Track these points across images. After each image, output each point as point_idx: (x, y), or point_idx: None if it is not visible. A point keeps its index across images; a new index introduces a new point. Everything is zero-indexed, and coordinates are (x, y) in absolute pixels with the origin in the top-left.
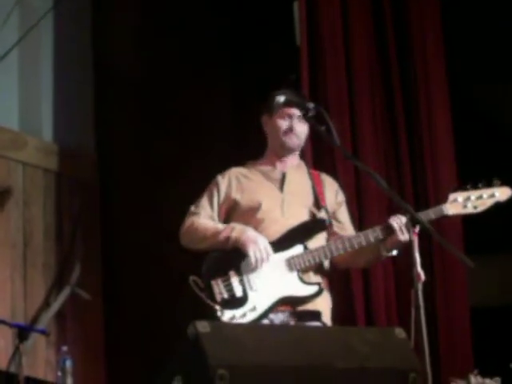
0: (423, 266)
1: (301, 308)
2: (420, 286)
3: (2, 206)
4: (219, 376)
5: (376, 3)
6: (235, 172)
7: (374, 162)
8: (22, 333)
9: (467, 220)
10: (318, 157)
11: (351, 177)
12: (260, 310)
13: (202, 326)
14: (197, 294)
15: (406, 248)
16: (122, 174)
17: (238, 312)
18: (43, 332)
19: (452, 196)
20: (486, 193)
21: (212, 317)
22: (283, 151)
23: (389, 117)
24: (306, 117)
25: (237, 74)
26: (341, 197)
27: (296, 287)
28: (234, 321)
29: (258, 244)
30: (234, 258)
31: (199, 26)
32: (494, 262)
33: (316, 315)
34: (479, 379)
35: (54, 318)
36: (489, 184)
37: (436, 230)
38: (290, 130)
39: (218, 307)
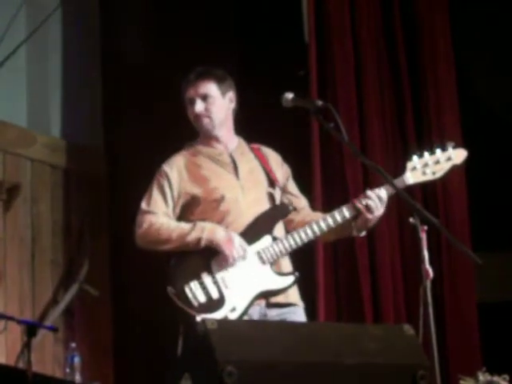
0: (431, 262)
1: (273, 300)
2: (428, 283)
3: (10, 202)
4: (228, 372)
5: None
6: (182, 160)
7: (382, 158)
8: (31, 329)
9: (475, 217)
10: (326, 153)
11: (359, 173)
12: (240, 309)
13: (211, 323)
14: (176, 304)
15: (415, 245)
16: (130, 170)
17: (217, 315)
18: (52, 329)
19: (410, 164)
20: (442, 157)
21: (192, 324)
22: (206, 133)
23: (397, 112)
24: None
25: (246, 72)
26: (286, 169)
27: (272, 280)
28: None
29: (233, 242)
30: (202, 259)
31: (208, 24)
32: (502, 258)
33: (285, 306)
34: (487, 376)
35: (61, 314)
36: (443, 148)
37: (444, 227)
38: (194, 116)
39: (198, 315)
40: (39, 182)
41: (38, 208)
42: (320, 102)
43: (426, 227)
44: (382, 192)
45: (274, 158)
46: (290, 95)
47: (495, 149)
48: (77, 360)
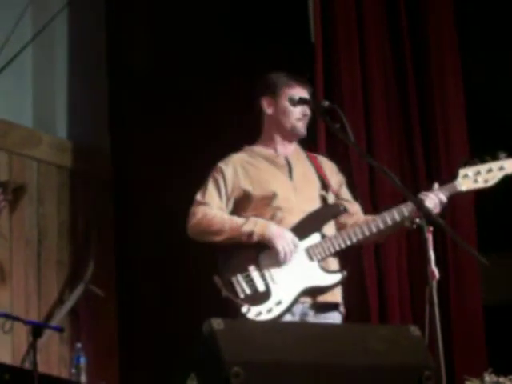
0: (437, 263)
1: (321, 299)
2: (434, 284)
3: (16, 202)
4: (234, 373)
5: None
6: (238, 159)
7: (389, 159)
8: (36, 330)
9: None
10: (332, 154)
11: (365, 174)
12: (286, 303)
13: (217, 323)
14: (222, 293)
15: (421, 246)
16: (136, 171)
17: (263, 307)
18: (58, 329)
19: (462, 171)
20: (495, 166)
21: (236, 315)
22: (291, 136)
23: (403, 113)
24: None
25: (251, 71)
26: (340, 177)
27: (319, 277)
28: (261, 317)
29: (285, 238)
30: (251, 252)
31: (213, 24)
32: (509, 259)
33: (334, 306)
34: (493, 377)
35: (67, 314)
36: (495, 157)
37: (450, 227)
38: (305, 115)
39: (246, 305)
40: (45, 182)
41: (44, 208)
42: (326, 103)
43: (431, 228)
44: (442, 195)
45: (328, 166)
46: (296, 95)
47: (504, 144)
48: (82, 360)
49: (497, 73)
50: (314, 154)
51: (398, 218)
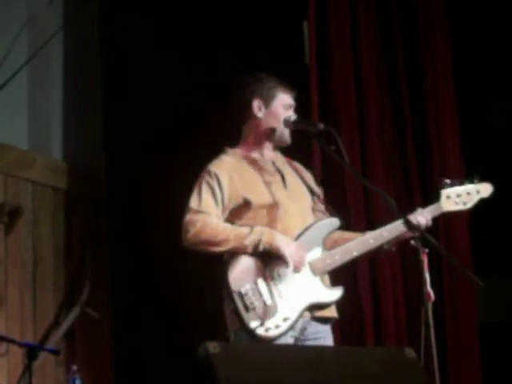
0: (432, 285)
1: (319, 314)
2: (430, 306)
3: (11, 225)
4: None
5: (385, 23)
6: (230, 164)
7: (383, 181)
8: (32, 352)
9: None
10: (328, 176)
11: (361, 196)
12: (292, 319)
13: (213, 347)
14: (227, 307)
15: (416, 268)
16: (131, 192)
17: (271, 323)
18: (53, 351)
19: (444, 192)
20: (472, 189)
21: (245, 330)
22: (277, 143)
23: (398, 135)
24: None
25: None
26: (318, 188)
27: (321, 293)
28: (269, 332)
29: (293, 247)
30: (259, 265)
31: (209, 43)
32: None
33: (329, 320)
34: None
35: (63, 336)
36: (471, 180)
37: (445, 249)
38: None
39: (257, 322)
40: (40, 204)
41: (40, 230)
42: (322, 125)
43: (427, 250)
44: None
45: (307, 175)
46: (291, 117)
47: (496, 171)
48: (78, 382)
49: (491, 82)
50: (289, 159)
51: (394, 234)
